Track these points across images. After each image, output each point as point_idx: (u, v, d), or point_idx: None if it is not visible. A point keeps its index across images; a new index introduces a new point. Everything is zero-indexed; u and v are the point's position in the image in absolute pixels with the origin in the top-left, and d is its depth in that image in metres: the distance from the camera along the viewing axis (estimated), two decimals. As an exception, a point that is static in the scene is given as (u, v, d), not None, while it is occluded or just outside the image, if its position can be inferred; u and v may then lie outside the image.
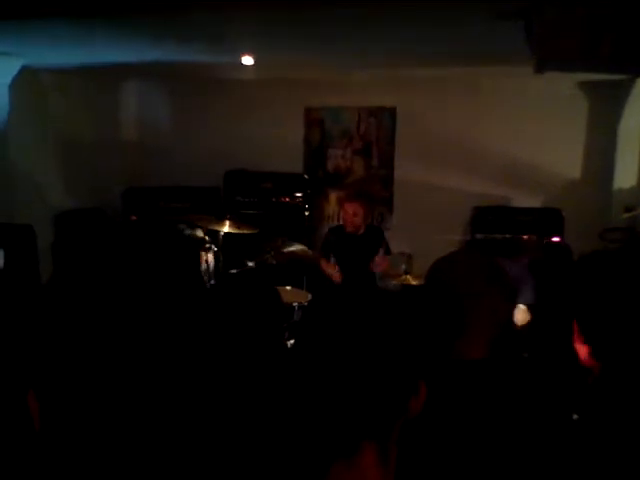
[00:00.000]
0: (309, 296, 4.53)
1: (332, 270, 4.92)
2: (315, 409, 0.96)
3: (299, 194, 6.84)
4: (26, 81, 5.77)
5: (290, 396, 1.00)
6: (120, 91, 7.34)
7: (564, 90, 6.37)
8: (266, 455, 1.46)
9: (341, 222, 5.32)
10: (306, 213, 6.83)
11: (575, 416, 1.47)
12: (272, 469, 1.43)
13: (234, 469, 1.45)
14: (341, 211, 5.16)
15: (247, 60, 5.40)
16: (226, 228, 4.90)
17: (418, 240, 6.50)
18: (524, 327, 4.61)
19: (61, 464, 1.72)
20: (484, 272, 1.59)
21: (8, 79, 5.53)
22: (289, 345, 3.92)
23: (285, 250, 4.80)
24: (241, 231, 4.95)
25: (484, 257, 1.70)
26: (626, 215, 5.59)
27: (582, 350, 4.08)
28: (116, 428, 1.66)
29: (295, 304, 4.35)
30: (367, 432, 0.94)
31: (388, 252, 5.14)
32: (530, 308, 4.65)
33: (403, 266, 4.78)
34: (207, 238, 5.14)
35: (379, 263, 4.94)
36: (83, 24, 4.06)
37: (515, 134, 6.56)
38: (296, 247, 4.84)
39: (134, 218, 6.69)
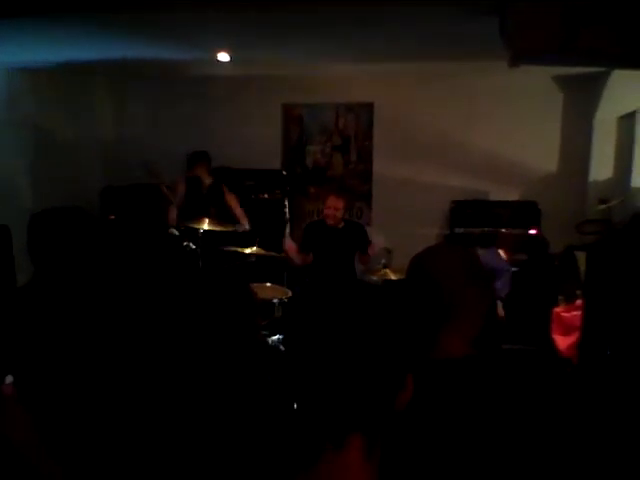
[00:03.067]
0: (289, 292, 4.53)
1: (293, 251, 4.92)
2: (303, 402, 0.96)
3: (278, 190, 6.83)
4: (0, 81, 5.69)
5: (277, 389, 1.01)
6: (97, 90, 7.26)
7: (539, 84, 6.43)
8: (254, 448, 1.46)
9: (321, 216, 5.32)
10: (285, 209, 6.82)
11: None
12: (260, 461, 1.43)
13: (220, 462, 1.45)
14: (324, 204, 5.17)
15: (223, 56, 5.37)
16: (205, 226, 4.90)
17: (397, 234, 6.52)
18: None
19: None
20: (465, 265, 1.59)
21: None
22: (270, 341, 3.92)
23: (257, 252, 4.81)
24: (220, 228, 4.95)
25: (464, 250, 1.71)
26: (601, 207, 5.66)
27: (560, 340, 4.11)
28: (95, 423, 1.66)
29: (275, 300, 4.35)
30: (354, 425, 0.94)
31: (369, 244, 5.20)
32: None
33: (382, 260, 4.79)
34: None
35: (371, 251, 5.04)
36: (56, 22, 4.01)
37: (491, 128, 6.62)
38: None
39: (112, 217, 6.64)
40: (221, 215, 5.38)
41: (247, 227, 5.52)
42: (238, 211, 5.61)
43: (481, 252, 4.23)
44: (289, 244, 4.98)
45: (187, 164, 5.74)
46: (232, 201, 5.63)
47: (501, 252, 4.75)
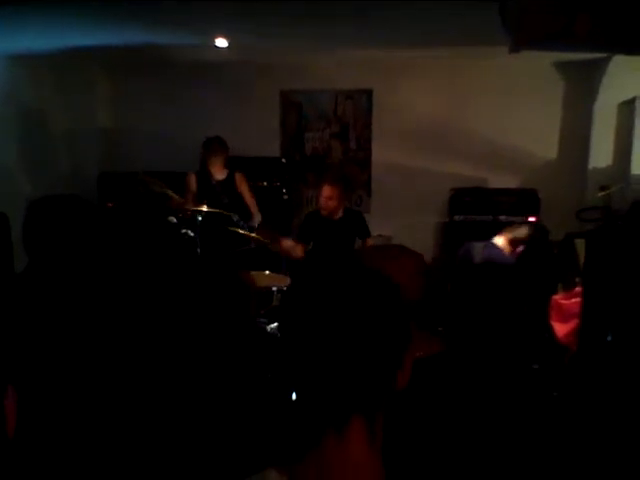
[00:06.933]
0: (288, 280, 4.52)
1: (290, 245, 4.93)
2: (302, 385, 0.96)
3: (277, 178, 6.81)
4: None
5: (276, 374, 1.00)
6: (95, 77, 7.23)
7: (539, 70, 6.40)
8: (257, 432, 1.46)
9: (318, 206, 5.30)
10: (284, 197, 6.80)
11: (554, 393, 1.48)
12: (262, 445, 1.43)
13: (218, 449, 1.45)
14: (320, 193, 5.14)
15: (221, 42, 5.34)
16: (204, 208, 4.93)
17: (397, 222, 6.53)
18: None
19: (40, 458, 1.70)
20: (418, 265, 1.57)
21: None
22: (269, 329, 3.92)
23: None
24: (218, 211, 4.96)
25: (409, 251, 1.67)
26: (601, 194, 5.65)
27: (558, 327, 4.10)
28: (92, 414, 1.65)
29: (274, 288, 4.35)
30: (355, 406, 0.94)
31: (368, 234, 5.16)
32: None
33: (382, 249, 4.77)
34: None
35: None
36: (54, 8, 3.98)
37: (491, 115, 6.59)
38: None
39: (110, 205, 6.62)
40: (234, 204, 5.34)
41: (259, 219, 5.45)
42: (249, 201, 5.52)
43: (480, 245, 4.16)
44: (287, 242, 4.96)
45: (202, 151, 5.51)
46: (244, 190, 5.53)
47: (502, 243, 4.29)
